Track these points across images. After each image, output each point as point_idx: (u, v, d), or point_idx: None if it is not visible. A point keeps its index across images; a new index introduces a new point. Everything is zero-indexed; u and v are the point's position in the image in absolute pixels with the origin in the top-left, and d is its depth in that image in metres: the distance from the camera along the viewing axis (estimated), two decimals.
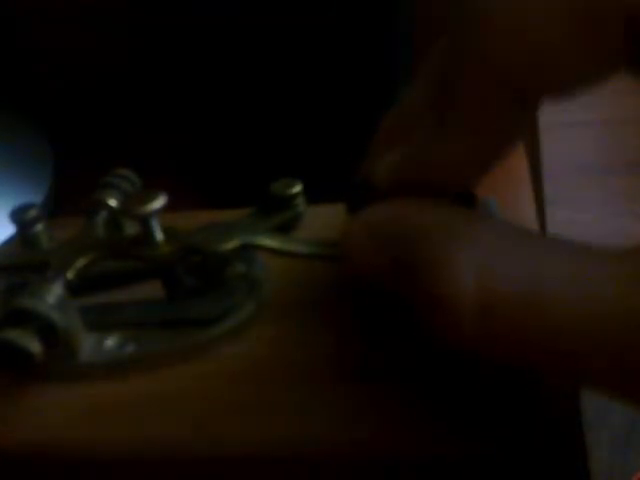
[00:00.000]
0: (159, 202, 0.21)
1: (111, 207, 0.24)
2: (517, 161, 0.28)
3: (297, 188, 0.24)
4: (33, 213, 0.24)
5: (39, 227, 0.24)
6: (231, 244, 0.22)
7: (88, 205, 0.24)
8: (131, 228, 0.23)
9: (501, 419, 0.18)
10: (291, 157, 0.39)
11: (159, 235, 0.22)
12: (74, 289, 0.22)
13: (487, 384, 0.19)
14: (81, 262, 0.22)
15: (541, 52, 0.16)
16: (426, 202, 0.18)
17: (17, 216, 0.24)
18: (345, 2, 0.35)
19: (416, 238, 0.17)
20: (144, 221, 0.22)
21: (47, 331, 0.20)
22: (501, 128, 0.18)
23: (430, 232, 0.17)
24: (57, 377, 0.21)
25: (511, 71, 0.17)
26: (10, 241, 0.26)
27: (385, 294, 0.19)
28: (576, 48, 0.16)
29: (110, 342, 0.22)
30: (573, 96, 0.17)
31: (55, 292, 0.21)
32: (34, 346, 0.20)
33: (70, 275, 0.22)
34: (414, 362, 0.20)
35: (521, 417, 0.18)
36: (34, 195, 0.42)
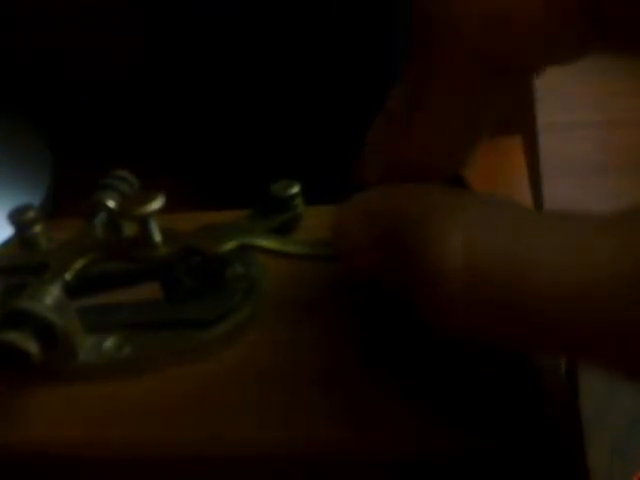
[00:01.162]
0: (157, 203, 0.21)
1: (110, 208, 0.24)
2: (516, 161, 0.28)
3: (296, 189, 0.24)
4: (31, 214, 0.24)
5: (37, 228, 0.24)
6: (230, 245, 0.22)
7: (87, 207, 0.24)
8: (130, 229, 0.23)
9: (500, 417, 0.18)
10: (290, 158, 0.39)
11: (158, 236, 0.22)
12: (73, 290, 0.22)
13: (486, 381, 0.19)
14: (80, 263, 0.22)
15: (501, 18, 0.17)
16: (416, 185, 0.18)
17: (15, 217, 0.24)
18: (345, 2, 0.35)
19: (406, 214, 0.17)
20: (143, 222, 0.22)
21: (46, 332, 0.20)
22: (472, 100, 0.18)
23: (420, 208, 0.17)
24: (56, 378, 0.21)
25: (475, 38, 0.17)
26: (8, 242, 0.26)
27: (383, 289, 0.19)
28: (536, 17, 0.17)
29: (109, 343, 0.22)
30: (538, 70, 0.18)
31: (54, 293, 0.21)
32: (33, 347, 0.20)
33: (69, 276, 0.22)
34: (413, 359, 0.20)
35: (520, 415, 0.18)
36: (32, 196, 0.42)
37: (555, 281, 0.14)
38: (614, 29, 0.16)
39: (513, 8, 0.17)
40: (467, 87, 0.18)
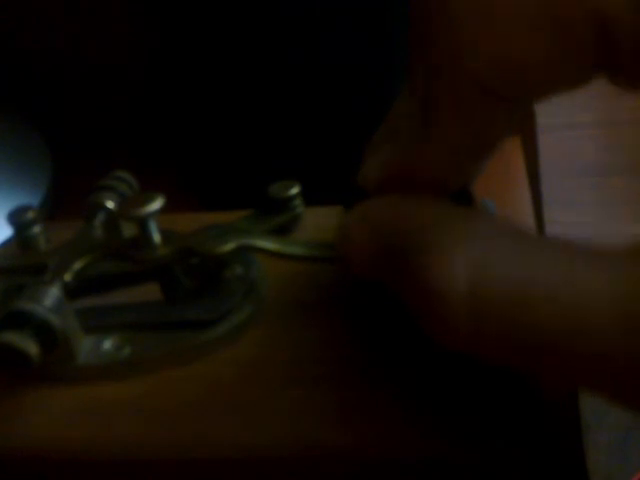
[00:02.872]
0: (156, 204, 0.21)
1: (109, 209, 0.24)
2: (515, 163, 0.28)
3: (295, 190, 0.24)
4: (31, 215, 0.24)
5: (37, 229, 0.24)
6: (229, 246, 0.22)
7: (86, 207, 0.24)
8: (129, 230, 0.23)
9: (501, 421, 0.18)
10: (290, 159, 0.39)
11: (157, 237, 0.22)
12: (72, 291, 0.22)
13: (486, 382, 0.19)
14: (79, 264, 0.22)
15: (511, 56, 0.16)
16: (423, 197, 0.18)
17: (15, 218, 0.24)
18: (345, 5, 0.35)
19: (411, 228, 0.17)
20: (142, 223, 0.22)
21: (45, 333, 0.20)
22: (480, 127, 0.18)
23: (425, 224, 0.17)
24: (55, 379, 0.22)
25: (483, 74, 0.17)
26: (7, 243, 0.26)
27: (383, 290, 0.19)
28: (546, 52, 0.16)
29: (108, 344, 0.22)
30: (551, 98, 0.18)
31: (53, 294, 0.21)
32: (32, 348, 0.20)
33: (68, 277, 0.22)
34: (413, 360, 0.20)
35: (521, 419, 0.18)
36: (32, 196, 0.42)
37: (560, 314, 0.15)
38: (630, 64, 0.16)
39: (520, 49, 0.16)
40: (475, 116, 0.17)
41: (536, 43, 0.16)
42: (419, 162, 0.18)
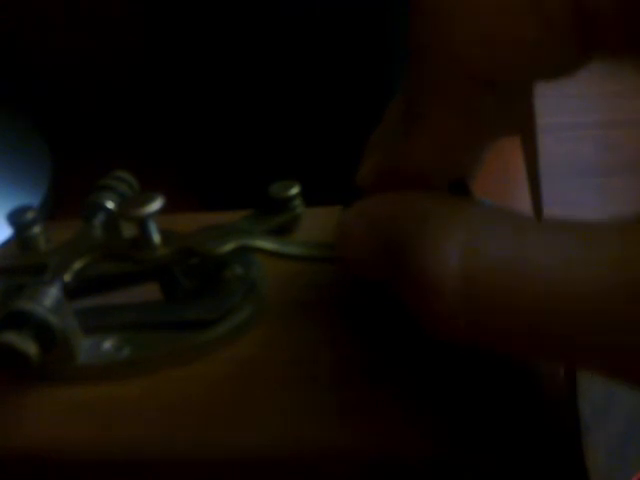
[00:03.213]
0: (156, 204, 0.21)
1: (109, 209, 0.24)
2: (515, 163, 0.28)
3: (295, 190, 0.24)
4: (31, 215, 0.24)
5: (37, 229, 0.24)
6: (229, 246, 0.22)
7: (86, 207, 0.24)
8: (129, 230, 0.23)
9: (501, 421, 0.18)
10: (290, 159, 0.39)
11: (157, 237, 0.22)
12: (71, 292, 0.22)
13: (486, 382, 0.19)
14: (78, 264, 0.22)
15: (492, 41, 0.17)
16: (420, 192, 0.18)
17: (15, 218, 0.24)
18: (344, 9, 0.35)
19: (407, 222, 0.17)
20: (141, 223, 0.22)
21: (44, 334, 0.20)
22: (468, 117, 0.18)
23: (421, 217, 0.17)
24: (55, 379, 0.21)
25: (465, 59, 0.17)
26: (7, 243, 0.26)
27: (382, 290, 0.19)
28: (528, 38, 0.16)
29: (107, 344, 0.22)
30: (545, 81, 0.18)
31: (52, 295, 0.21)
32: (31, 349, 0.20)
33: (67, 277, 0.22)
34: (413, 360, 0.20)
35: (520, 419, 0.18)
36: (33, 196, 0.42)
37: (558, 295, 0.14)
38: (611, 38, 0.16)
39: (506, 31, 0.16)
40: (463, 102, 0.18)
41: (518, 25, 0.16)
42: (408, 159, 0.19)
